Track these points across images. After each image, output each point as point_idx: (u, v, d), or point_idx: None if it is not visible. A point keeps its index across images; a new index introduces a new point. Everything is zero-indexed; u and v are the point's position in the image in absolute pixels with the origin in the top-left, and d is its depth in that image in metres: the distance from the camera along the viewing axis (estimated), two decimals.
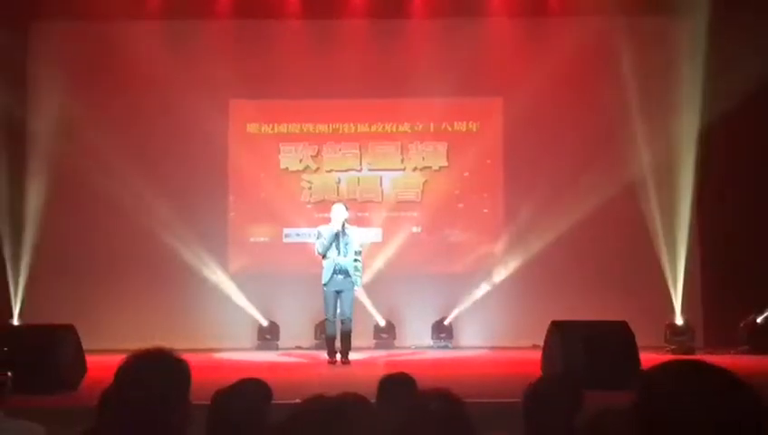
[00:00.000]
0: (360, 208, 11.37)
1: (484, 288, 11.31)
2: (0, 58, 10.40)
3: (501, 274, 11.33)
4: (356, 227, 9.11)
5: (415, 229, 11.62)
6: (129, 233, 10.91)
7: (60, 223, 10.99)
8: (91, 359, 7.48)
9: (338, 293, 8.86)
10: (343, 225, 8.78)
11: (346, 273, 8.76)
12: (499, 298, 11.22)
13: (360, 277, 8.99)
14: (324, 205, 10.86)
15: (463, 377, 8.35)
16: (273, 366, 9.53)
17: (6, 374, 3.57)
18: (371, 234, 11.00)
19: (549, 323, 7.65)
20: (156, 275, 11.10)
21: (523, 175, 11.29)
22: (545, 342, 7.65)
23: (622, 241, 11.00)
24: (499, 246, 11.42)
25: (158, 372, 2.30)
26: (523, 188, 11.23)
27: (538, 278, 11.12)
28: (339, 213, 8.79)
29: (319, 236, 8.82)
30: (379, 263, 11.28)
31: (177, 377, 2.31)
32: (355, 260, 8.90)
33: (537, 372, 6.87)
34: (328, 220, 9.05)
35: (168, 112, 10.94)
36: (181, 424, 2.25)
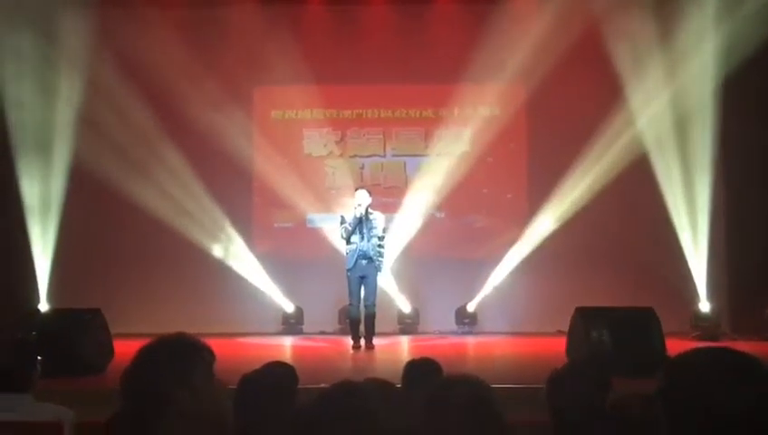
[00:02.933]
0: (384, 194, 11.37)
1: (507, 274, 11.30)
2: (32, 48, 10.53)
3: (525, 259, 11.30)
4: (379, 213, 9.08)
5: (438, 215, 11.65)
6: (154, 219, 10.91)
7: (86, 209, 11.05)
8: (118, 343, 7.52)
9: (362, 278, 8.88)
10: (367, 210, 8.80)
11: (370, 258, 8.79)
12: (523, 284, 11.19)
13: (383, 262, 9.01)
14: (348, 190, 10.85)
15: (487, 362, 8.39)
16: (298, 351, 9.57)
17: (35, 359, 3.56)
18: (395, 219, 11.12)
19: (573, 309, 7.64)
20: (182, 261, 11.16)
21: (547, 159, 11.21)
22: (570, 328, 7.61)
23: (648, 225, 10.92)
24: (523, 231, 11.38)
25: (173, 356, 2.31)
26: (547, 173, 11.16)
27: (562, 264, 11.08)
28: (362, 198, 8.80)
29: (342, 221, 8.86)
30: (402, 248, 11.30)
31: (193, 361, 2.30)
32: (379, 246, 8.92)
33: (562, 358, 6.88)
34: (351, 206, 9.13)
35: (192, 101, 10.91)
36: (200, 407, 2.24)
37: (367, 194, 8.87)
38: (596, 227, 10.96)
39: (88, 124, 10.77)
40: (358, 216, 8.68)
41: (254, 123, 11.64)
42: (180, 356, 2.30)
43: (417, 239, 11.35)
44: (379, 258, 8.88)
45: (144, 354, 2.31)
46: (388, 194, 11.52)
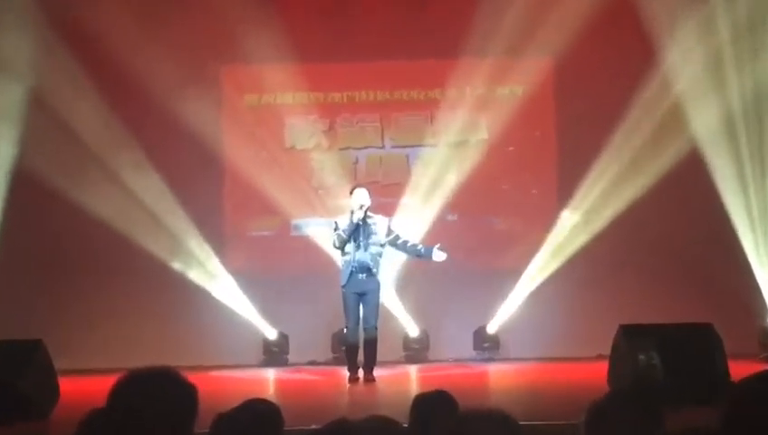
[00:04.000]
0: (383, 193, 11.29)
1: (535, 287, 11.37)
2: None
3: (556, 269, 11.37)
4: (381, 217, 9.12)
5: (450, 217, 11.67)
6: (107, 228, 10.93)
7: (23, 216, 11.05)
8: (65, 381, 7.52)
9: (360, 296, 8.90)
10: (365, 213, 8.80)
11: (368, 271, 8.82)
12: (555, 299, 11.24)
13: (379, 275, 9.01)
14: (340, 190, 10.91)
15: (513, 395, 8.46)
16: (282, 385, 9.69)
17: None
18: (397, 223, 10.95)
19: (616, 327, 7.63)
20: (139, 280, 11.22)
21: (580, 147, 11.25)
22: (612, 350, 7.65)
23: (704, 226, 11.06)
24: (552, 235, 11.43)
25: (163, 397, 2.37)
26: (580, 164, 11.23)
27: (601, 274, 11.14)
28: (363, 198, 8.83)
29: (336, 228, 8.87)
30: (407, 259, 11.05)
31: (183, 404, 2.40)
32: (379, 255, 8.95)
33: (603, 387, 6.87)
34: (343, 209, 9.15)
35: (148, 85, 10.88)
36: None
37: (367, 193, 8.90)
38: (641, 228, 11.09)
39: (21, 123, 10.83)
40: (355, 220, 8.71)
41: (224, 110, 11.67)
42: (161, 392, 2.37)
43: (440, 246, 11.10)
44: (375, 270, 8.92)
45: (123, 396, 2.36)
46: (388, 193, 11.48)
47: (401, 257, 10.91)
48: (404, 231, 9.41)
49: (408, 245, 9.05)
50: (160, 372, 2.45)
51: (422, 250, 9.00)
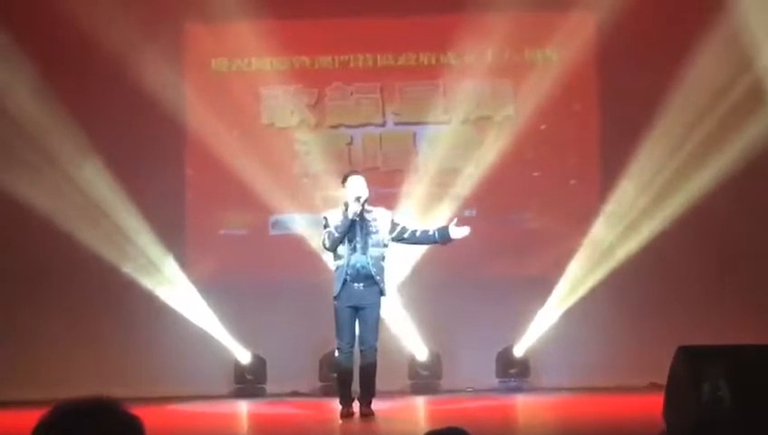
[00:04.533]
0: (383, 181, 11.30)
1: (573, 300, 11.33)
2: None
3: (599, 278, 11.29)
4: (383, 210, 8.91)
5: (468, 213, 11.46)
6: (32, 227, 10.90)
7: None
8: None
9: (356, 310, 8.68)
10: (363, 206, 8.56)
11: (367, 277, 8.60)
12: (596, 314, 11.18)
13: (383, 283, 8.77)
14: (330, 178, 10.81)
15: (546, 432, 8.57)
16: (259, 421, 9.84)
17: None
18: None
19: (674, 350, 7.23)
20: (76, 289, 11.20)
21: (629, 128, 11.17)
22: (669, 378, 7.24)
23: None
24: (595, 235, 11.35)
25: (100, 431, 2.38)
26: (630, 147, 11.15)
27: (655, 284, 11.16)
28: (361, 188, 8.61)
29: (326, 224, 8.66)
30: (414, 265, 11.27)
31: None
32: (381, 258, 8.71)
33: (658, 423, 6.65)
34: (335, 202, 9.02)
35: (89, 49, 10.83)
36: None
37: (364, 182, 8.68)
38: (706, 229, 11.13)
39: None
40: (350, 216, 8.53)
41: (186, 79, 11.63)
42: (101, 430, 2.37)
43: (436, 250, 10.72)
44: (379, 277, 8.68)
45: (51, 429, 2.36)
46: (389, 181, 11.52)
47: (406, 262, 11.10)
48: (409, 221, 9.34)
49: (419, 233, 8.85)
50: (96, 404, 2.42)
51: (436, 235, 8.78)
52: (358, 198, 8.51)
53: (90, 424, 2.37)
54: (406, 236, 8.79)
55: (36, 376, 10.45)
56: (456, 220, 8.80)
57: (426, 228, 8.94)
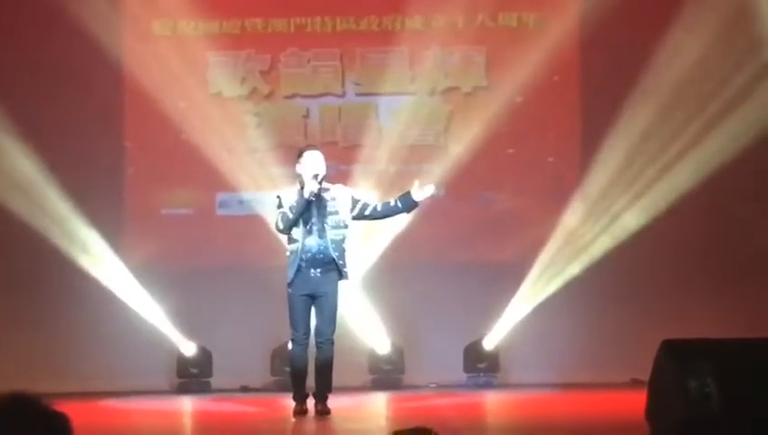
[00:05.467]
0: (343, 158, 11.31)
1: (548, 288, 11.26)
2: None
3: (576, 264, 11.20)
4: (342, 187, 8.76)
5: (434, 192, 10.86)
6: None
7: None
8: None
9: (311, 298, 8.48)
10: (320, 184, 8.36)
11: (324, 263, 8.40)
12: (574, 305, 11.16)
13: (347, 268, 8.63)
14: (285, 152, 10.80)
15: (517, 433, 8.43)
16: (203, 419, 9.81)
17: None
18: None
19: (658, 343, 6.85)
20: (3, 277, 11.13)
21: (612, 100, 11.08)
22: (653, 375, 6.83)
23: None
24: (572, 218, 11.31)
25: (19, 432, 2.40)
26: (612, 122, 11.05)
27: (637, 270, 11.11)
28: (317, 164, 8.43)
29: (280, 204, 8.44)
30: (377, 248, 11.21)
31: None
32: (342, 241, 8.53)
33: (641, 424, 6.41)
34: (288, 179, 8.95)
35: (16, 11, 10.95)
36: None
37: (321, 157, 8.51)
38: (691, 214, 11.02)
39: None
40: (307, 195, 8.33)
41: (125, 42, 11.44)
42: (19, 429, 2.39)
43: (401, 233, 11.10)
44: (342, 261, 8.53)
45: None
46: (349, 158, 11.47)
47: (366, 244, 10.94)
48: (370, 197, 9.22)
49: (380, 207, 8.70)
50: (13, 400, 2.44)
51: (399, 204, 8.61)
52: (315, 176, 8.32)
53: (7, 423, 2.39)
54: (367, 212, 8.60)
55: None
56: (417, 181, 8.57)
57: (386, 201, 8.78)
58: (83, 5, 10.86)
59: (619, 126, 11.07)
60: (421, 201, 8.57)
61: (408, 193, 8.48)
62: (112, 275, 11.18)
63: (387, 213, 8.75)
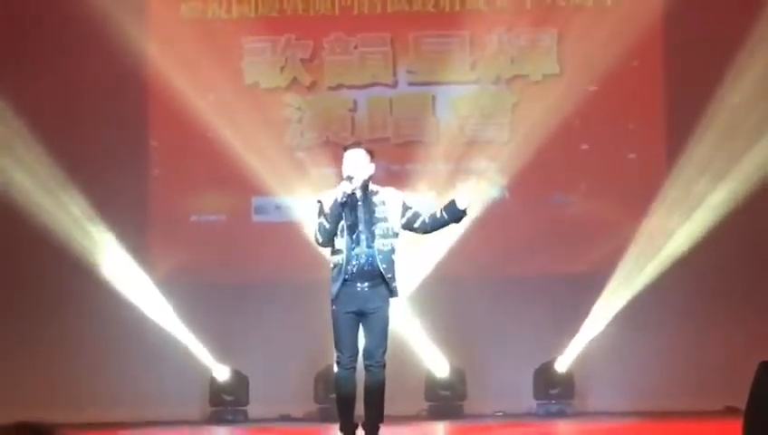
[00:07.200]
0: (395, 157, 11.33)
1: (629, 304, 11.10)
2: None
3: (662, 277, 11.05)
4: (392, 190, 8.15)
5: (498, 194, 11.44)
6: None
7: None
8: None
9: (359, 316, 7.99)
10: (366, 187, 7.97)
11: (373, 276, 7.97)
12: (658, 323, 11.09)
13: (396, 283, 8.25)
14: (329, 150, 10.86)
15: None
16: None
17: None
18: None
19: (756, 366, 6.27)
20: (24, 295, 11.16)
21: (698, 89, 10.97)
22: (751, 400, 6.36)
23: None
24: (659, 223, 11.17)
25: None
26: (702, 113, 10.89)
27: (734, 287, 10.98)
28: (356, 164, 7.95)
29: (321, 211, 8.07)
30: (433, 258, 11.06)
31: None
32: (392, 251, 8.16)
33: None
34: (334, 181, 8.54)
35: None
36: None
37: (366, 156, 8.06)
38: None
39: None
40: (340, 199, 7.95)
41: (151, 28, 11.56)
42: None
43: (460, 241, 10.95)
44: (390, 275, 8.14)
45: None
46: (402, 156, 11.47)
47: (421, 255, 10.90)
48: (423, 206, 8.68)
49: (428, 220, 8.22)
50: (20, 430, 2.53)
51: (446, 215, 8.13)
52: (349, 178, 7.91)
53: None
54: (416, 225, 8.14)
55: None
56: (459, 184, 8.27)
57: (433, 212, 8.26)
58: None
59: (708, 117, 10.94)
60: (467, 207, 8.02)
61: (453, 201, 8.04)
62: (137, 290, 11.18)
63: (435, 226, 8.27)
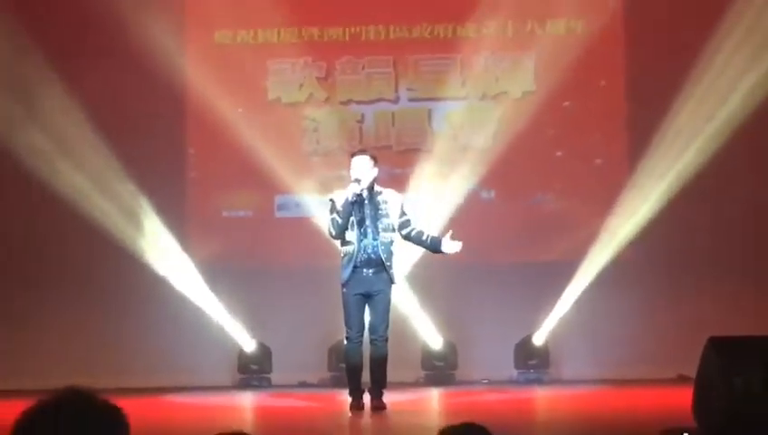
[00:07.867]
0: (396, 161, 11.56)
1: (596, 286, 11.42)
2: None
3: (624, 263, 11.40)
4: (393, 192, 8.83)
5: (485, 194, 11.86)
6: (34, 214, 11.25)
7: None
8: None
9: (365, 297, 8.73)
10: (372, 188, 8.61)
11: (377, 264, 8.61)
12: (622, 302, 11.33)
13: (393, 269, 8.73)
14: (339, 156, 10.92)
15: (567, 429, 8.30)
16: (264, 413, 9.74)
17: None
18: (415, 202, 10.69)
19: (705, 340, 7.13)
20: (73, 276, 11.43)
21: (657, 104, 11.26)
22: (699, 372, 7.08)
23: None
24: (620, 219, 11.46)
25: (74, 428, 2.36)
26: (659, 125, 11.24)
27: (685, 270, 11.31)
28: (362, 168, 8.58)
29: (333, 208, 8.63)
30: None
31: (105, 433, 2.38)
32: (391, 243, 8.73)
33: (687, 419, 6.64)
34: (344, 182, 8.91)
35: (89, 21, 11.17)
36: None
37: (370, 161, 8.64)
38: (740, 211, 11.25)
39: None
40: (352, 198, 8.47)
41: (188, 51, 11.85)
42: (74, 423, 2.35)
43: (454, 234, 10.48)
44: (389, 263, 8.67)
45: (24, 431, 2.33)
46: (403, 161, 11.69)
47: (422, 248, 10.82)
48: (414, 214, 9.03)
49: (413, 234, 8.75)
50: (70, 398, 2.41)
51: (429, 241, 8.77)
52: (356, 180, 8.48)
53: (62, 417, 2.37)
54: (404, 232, 8.69)
55: (24, 366, 10.82)
56: (451, 233, 8.72)
57: (421, 231, 8.74)
58: (151, 18, 11.20)
59: (663, 129, 11.20)
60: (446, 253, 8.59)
61: (440, 240, 8.60)
62: (176, 274, 11.48)
63: (416, 242, 8.79)
